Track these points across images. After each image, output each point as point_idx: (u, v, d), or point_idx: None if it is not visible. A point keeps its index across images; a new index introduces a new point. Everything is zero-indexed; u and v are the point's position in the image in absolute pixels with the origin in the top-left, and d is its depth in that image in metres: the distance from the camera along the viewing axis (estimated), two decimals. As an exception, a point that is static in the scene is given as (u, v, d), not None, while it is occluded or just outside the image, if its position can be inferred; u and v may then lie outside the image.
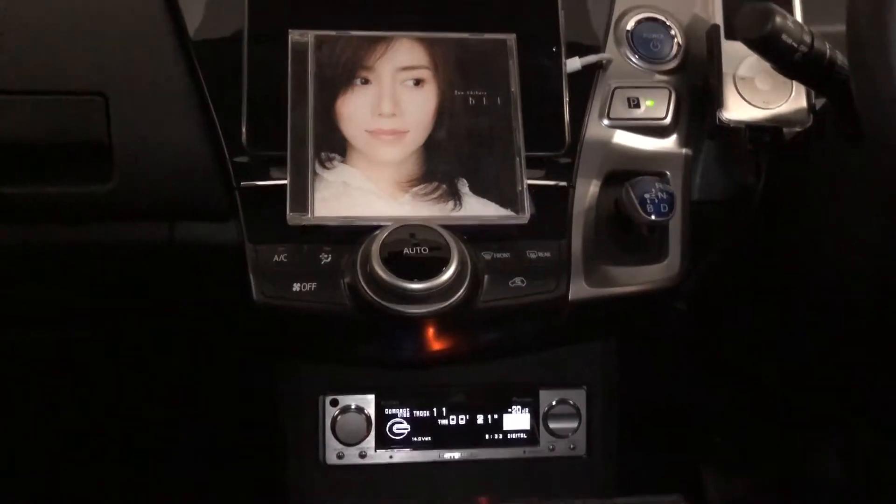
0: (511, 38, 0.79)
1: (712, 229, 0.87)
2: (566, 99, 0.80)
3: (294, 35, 0.77)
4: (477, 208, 0.74)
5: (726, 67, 0.79)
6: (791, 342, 0.92)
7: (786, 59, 0.70)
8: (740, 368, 1.03)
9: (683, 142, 0.84)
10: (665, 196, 0.73)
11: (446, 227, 0.70)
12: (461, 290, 0.69)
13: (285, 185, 0.72)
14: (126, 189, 0.76)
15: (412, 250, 0.69)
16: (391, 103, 0.75)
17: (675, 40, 0.83)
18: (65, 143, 0.76)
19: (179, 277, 0.83)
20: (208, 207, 0.76)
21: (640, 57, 0.83)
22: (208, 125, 0.74)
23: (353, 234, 0.71)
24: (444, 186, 0.74)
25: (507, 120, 0.77)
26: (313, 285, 0.71)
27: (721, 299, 0.97)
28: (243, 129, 0.74)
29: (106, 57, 0.76)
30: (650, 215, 0.73)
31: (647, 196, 0.73)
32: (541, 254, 0.75)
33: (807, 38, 0.67)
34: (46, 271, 0.85)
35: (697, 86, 0.83)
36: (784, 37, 0.68)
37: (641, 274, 0.79)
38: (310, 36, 0.77)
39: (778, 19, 0.67)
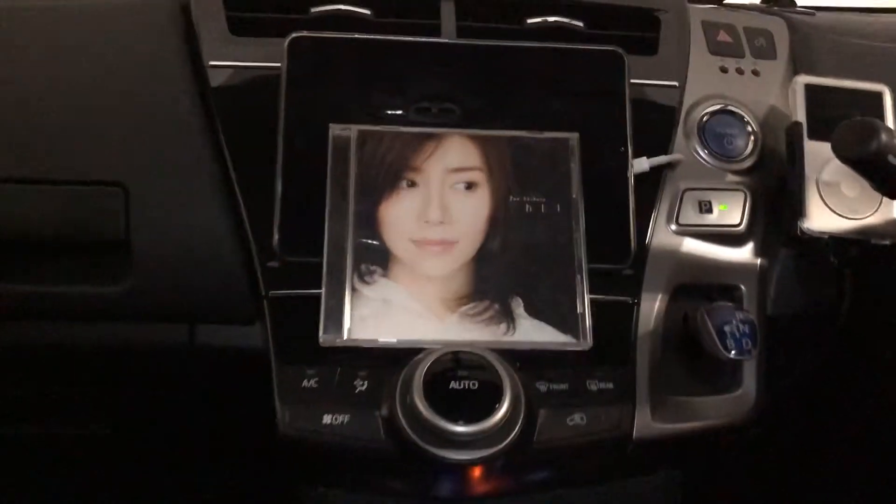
0: (574, 138, 0.72)
1: (788, 350, 0.78)
2: (632, 205, 0.71)
3: (335, 129, 0.70)
4: (532, 333, 0.66)
5: (809, 171, 0.71)
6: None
7: (891, 181, 0.61)
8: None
9: (759, 251, 0.76)
10: (747, 329, 0.64)
11: (498, 351, 0.63)
12: (513, 433, 0.61)
13: (319, 296, 0.65)
14: (142, 291, 0.69)
15: (459, 384, 0.61)
16: (440, 209, 0.68)
17: (751, 136, 0.76)
18: (78, 237, 0.69)
19: (199, 388, 0.75)
20: (232, 317, 0.69)
21: (711, 154, 0.76)
22: (237, 225, 0.68)
23: (392, 357, 0.64)
24: (497, 306, 0.66)
25: (567, 230, 0.69)
26: (346, 417, 0.63)
27: (794, 426, 0.87)
28: (275, 232, 0.67)
29: (128, 144, 0.70)
30: (730, 351, 0.64)
31: (726, 329, 0.64)
32: (602, 385, 0.67)
33: None
34: (58, 371, 0.78)
35: (774, 186, 0.76)
36: (891, 157, 0.59)
37: (712, 406, 0.71)
38: (352, 130, 0.70)
39: (884, 137, 0.59)
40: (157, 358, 0.74)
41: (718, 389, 0.71)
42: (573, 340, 0.66)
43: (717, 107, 0.77)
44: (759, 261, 0.74)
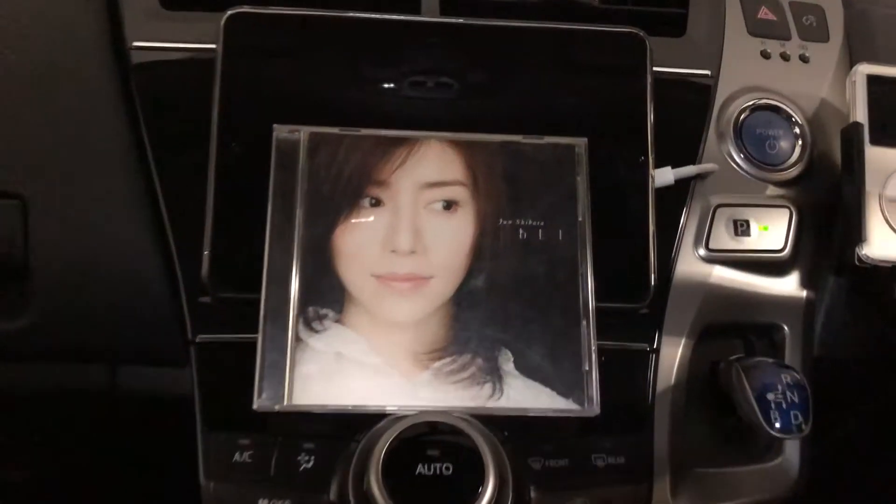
0: (581, 144, 0.58)
1: (838, 403, 0.65)
2: (652, 227, 0.59)
3: (280, 131, 0.56)
4: (525, 396, 0.53)
5: (870, 184, 0.60)
6: None
7: None
8: None
9: (805, 282, 0.65)
10: (797, 398, 0.51)
11: (480, 419, 0.52)
12: (497, 530, 0.49)
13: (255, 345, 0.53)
14: (45, 327, 0.58)
15: (428, 468, 0.48)
16: (410, 236, 0.55)
17: (798, 139, 0.65)
18: None
19: (121, 438, 0.63)
20: (156, 359, 0.58)
21: (749, 160, 0.64)
22: (162, 248, 0.58)
23: (346, 425, 0.53)
24: (480, 362, 0.54)
25: (570, 263, 0.56)
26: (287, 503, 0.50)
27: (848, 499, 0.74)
28: (205, 261, 0.56)
29: (27, 146, 0.58)
30: (774, 427, 0.51)
31: (770, 397, 0.51)
32: (612, 459, 0.55)
33: None
34: None
35: (825, 202, 0.65)
36: None
37: (747, 480, 0.61)
38: (302, 133, 0.56)
39: None
40: (71, 401, 0.64)
41: (754, 457, 0.61)
42: (576, 406, 0.53)
43: (758, 101, 0.65)
44: (804, 293, 0.64)
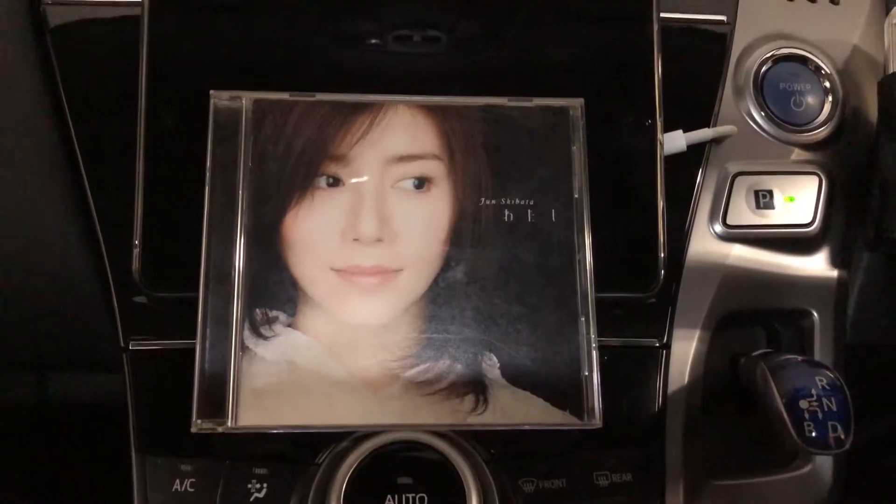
0: (576, 106, 0.49)
1: (874, 395, 0.57)
2: (661, 201, 0.51)
3: (219, 98, 0.47)
4: (513, 408, 0.46)
5: None
6: None
7: None
8: None
9: (837, 259, 0.57)
10: (835, 407, 0.43)
11: (461, 437, 0.46)
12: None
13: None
14: None
15: (398, 499, 0.40)
16: (376, 221, 0.47)
17: (828, 93, 0.58)
18: None
19: (51, 452, 0.55)
20: (79, 376, 0.52)
21: (772, 120, 0.57)
22: (89, 238, 0.50)
23: (303, 448, 0.47)
24: (460, 368, 0.46)
25: (566, 248, 0.48)
26: None
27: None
28: (136, 255, 0.48)
29: None
30: (807, 438, 0.43)
31: (804, 405, 0.43)
32: (616, 478, 0.48)
33: None
34: None
35: (859, 167, 0.58)
36: None
37: (772, 492, 0.55)
38: (244, 100, 0.47)
39: None
40: None
41: (781, 464, 0.54)
42: (574, 419, 0.46)
43: (781, 51, 0.58)
44: (836, 273, 0.57)
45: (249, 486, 0.45)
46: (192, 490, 0.45)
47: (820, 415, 0.43)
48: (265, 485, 0.45)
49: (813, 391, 0.44)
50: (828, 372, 0.45)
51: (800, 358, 0.48)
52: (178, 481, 0.45)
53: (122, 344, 0.48)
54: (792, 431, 0.43)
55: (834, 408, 0.43)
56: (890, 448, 0.64)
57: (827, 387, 0.44)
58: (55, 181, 0.50)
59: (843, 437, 0.43)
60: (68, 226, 0.50)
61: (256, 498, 0.45)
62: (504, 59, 0.51)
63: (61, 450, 0.55)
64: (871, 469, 0.61)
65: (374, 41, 0.51)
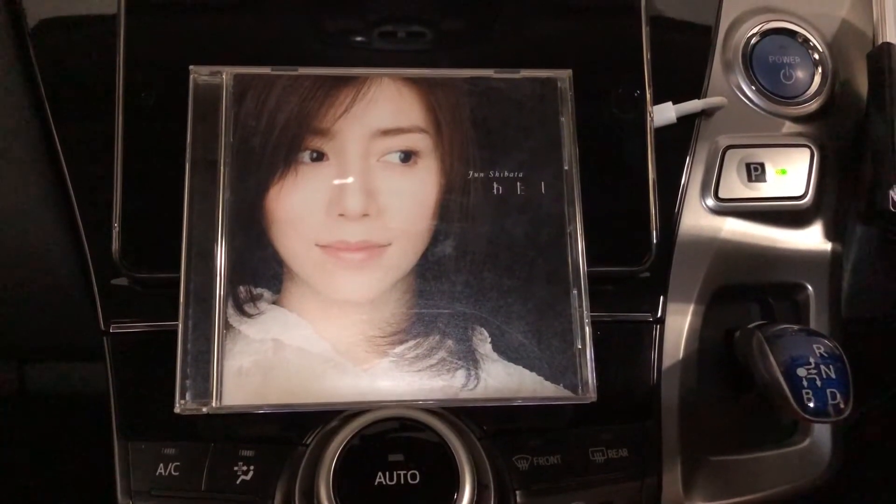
0: (564, 77, 0.49)
1: (870, 368, 0.56)
2: (652, 174, 0.50)
3: (199, 74, 0.46)
4: (506, 383, 0.45)
5: None
6: None
7: None
8: None
9: (830, 232, 0.57)
10: (834, 374, 0.42)
11: (452, 413, 0.45)
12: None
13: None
14: None
15: (390, 476, 0.39)
16: (362, 196, 0.46)
17: (818, 66, 0.58)
18: None
19: (32, 442, 0.54)
20: (60, 360, 0.51)
21: (762, 93, 0.57)
22: (67, 220, 0.49)
23: (290, 428, 0.45)
24: (450, 344, 0.45)
25: (557, 221, 0.47)
26: None
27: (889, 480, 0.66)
28: (115, 236, 0.46)
29: None
30: (806, 406, 0.42)
31: (801, 373, 0.42)
32: (612, 453, 0.47)
33: None
34: None
35: (851, 139, 0.57)
36: None
37: (770, 467, 0.53)
38: (225, 75, 0.46)
39: None
40: None
41: (778, 439, 0.53)
42: (568, 392, 0.44)
43: (770, 24, 0.58)
44: (829, 246, 0.57)
45: (236, 468, 0.44)
46: (176, 474, 0.44)
47: (819, 382, 0.42)
48: (252, 467, 0.44)
49: (811, 359, 0.43)
50: (825, 340, 0.44)
51: (796, 327, 0.47)
52: (161, 465, 0.44)
53: (102, 327, 0.47)
54: (791, 400, 0.42)
55: (833, 375, 0.42)
56: (887, 422, 0.63)
57: (825, 354, 0.43)
58: (32, 163, 0.49)
59: (842, 405, 0.42)
60: (45, 207, 0.48)
61: (243, 480, 0.43)
62: (492, 30, 0.51)
63: (42, 436, 0.53)
64: (868, 443, 0.60)
65: (359, 14, 0.50)
